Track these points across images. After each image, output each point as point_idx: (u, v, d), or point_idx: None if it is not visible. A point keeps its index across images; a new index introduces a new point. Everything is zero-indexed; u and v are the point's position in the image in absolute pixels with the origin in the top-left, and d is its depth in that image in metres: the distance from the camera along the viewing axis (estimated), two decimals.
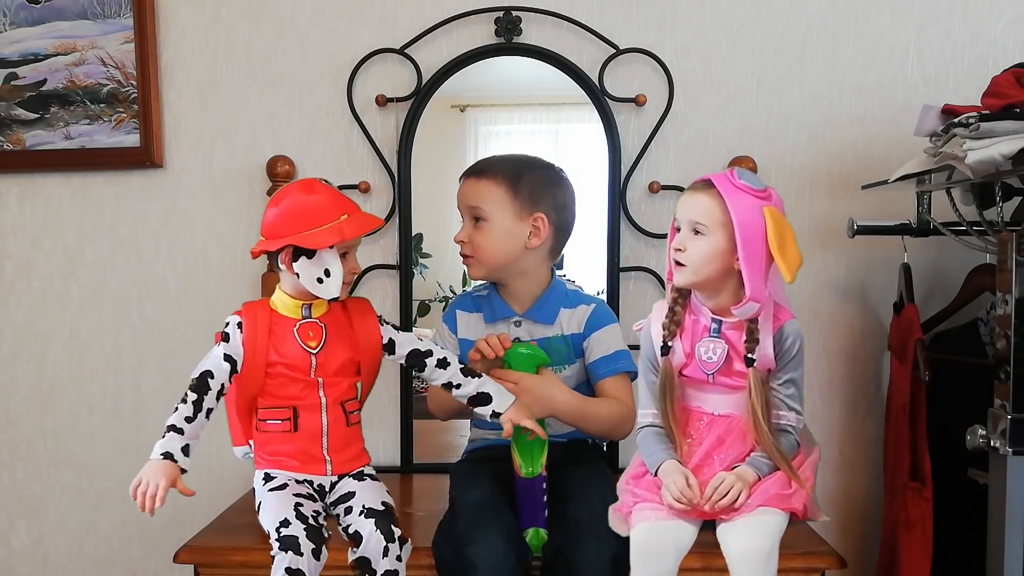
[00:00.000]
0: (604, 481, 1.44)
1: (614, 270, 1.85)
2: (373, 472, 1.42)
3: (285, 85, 1.91)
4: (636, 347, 1.49)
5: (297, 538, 1.22)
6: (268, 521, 1.28)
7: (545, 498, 1.38)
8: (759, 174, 1.70)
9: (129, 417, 1.98)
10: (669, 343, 1.39)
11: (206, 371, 1.31)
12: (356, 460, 1.41)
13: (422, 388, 1.85)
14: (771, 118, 1.88)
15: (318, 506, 1.33)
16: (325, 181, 1.39)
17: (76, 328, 1.98)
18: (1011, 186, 1.52)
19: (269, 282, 1.84)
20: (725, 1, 1.87)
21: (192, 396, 1.29)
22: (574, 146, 1.96)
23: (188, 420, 1.27)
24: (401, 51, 1.87)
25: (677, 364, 1.40)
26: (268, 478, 1.36)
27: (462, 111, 1.97)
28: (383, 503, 1.33)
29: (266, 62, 1.91)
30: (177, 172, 1.95)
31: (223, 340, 1.34)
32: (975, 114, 1.35)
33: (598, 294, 1.82)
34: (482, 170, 1.54)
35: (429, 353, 1.40)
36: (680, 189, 1.80)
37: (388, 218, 1.88)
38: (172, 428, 1.26)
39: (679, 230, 1.37)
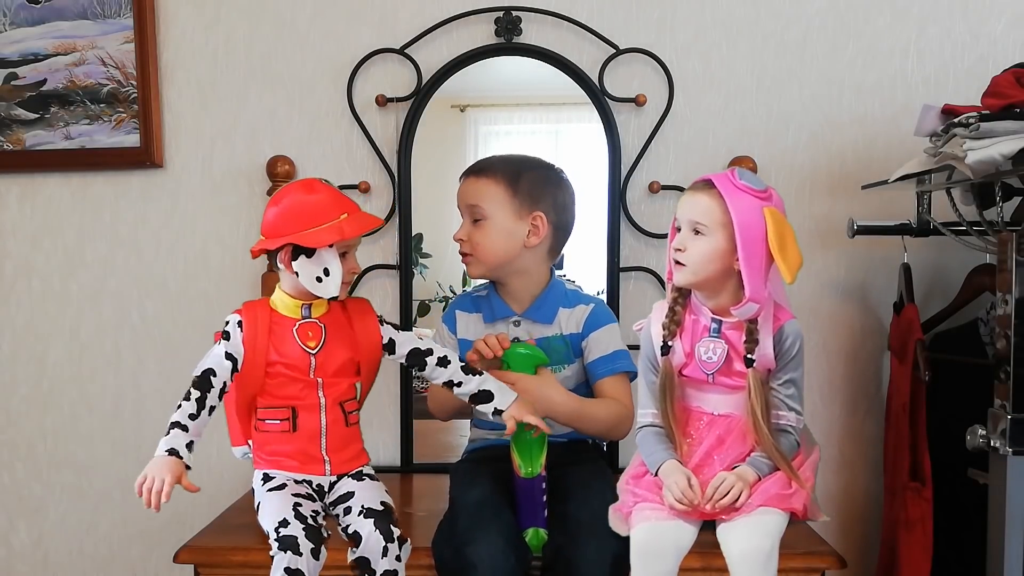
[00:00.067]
0: (604, 481, 1.44)
1: (614, 270, 1.85)
2: (372, 472, 1.42)
3: (285, 85, 1.91)
4: (636, 347, 1.49)
5: (296, 538, 1.22)
6: (267, 521, 1.28)
7: (545, 498, 1.38)
8: (759, 174, 1.70)
9: (129, 417, 1.98)
10: (669, 343, 1.39)
11: (208, 369, 1.31)
12: (355, 460, 1.41)
13: (422, 388, 1.85)
14: (771, 118, 1.88)
15: (317, 506, 1.33)
16: (325, 181, 1.39)
17: (76, 328, 1.98)
18: (1011, 186, 1.52)
19: (269, 282, 1.84)
20: (725, 1, 1.87)
21: (195, 393, 1.29)
22: (574, 146, 1.96)
23: (192, 417, 1.27)
24: (401, 51, 1.87)
25: (677, 364, 1.40)
26: (267, 478, 1.36)
27: (462, 111, 1.97)
28: (382, 503, 1.33)
29: (266, 62, 1.91)
30: (177, 172, 1.95)
31: (223, 338, 1.34)
32: (975, 114, 1.35)
33: (598, 294, 1.82)
34: (482, 169, 1.54)
35: (429, 352, 1.40)
36: (680, 189, 1.80)
37: (388, 218, 1.88)
38: (176, 425, 1.26)
39: (679, 230, 1.37)
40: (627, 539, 1.28)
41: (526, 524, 1.36)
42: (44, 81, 1.93)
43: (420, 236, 1.92)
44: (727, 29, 1.87)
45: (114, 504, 1.99)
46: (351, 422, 1.40)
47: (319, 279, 1.31)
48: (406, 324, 1.87)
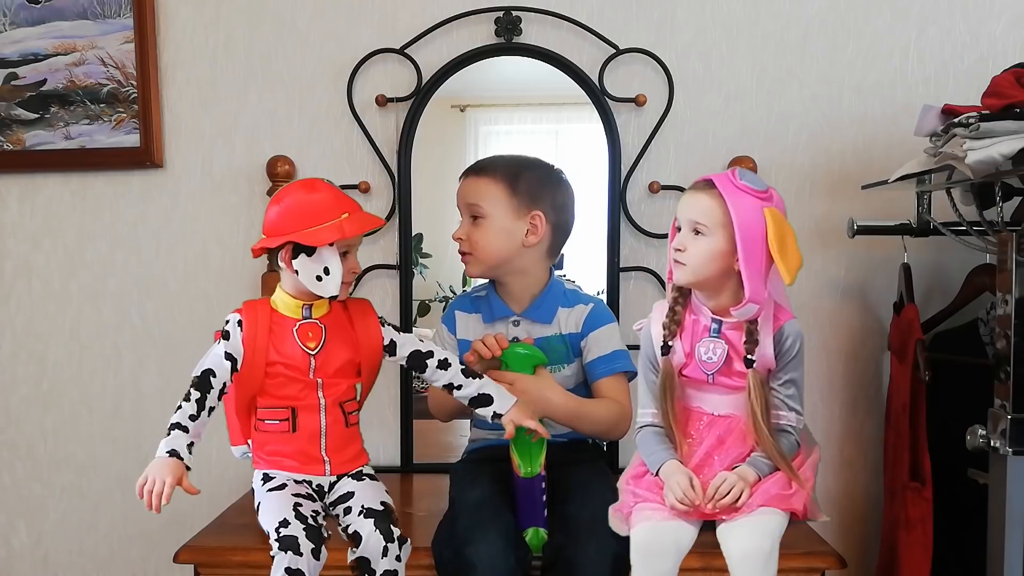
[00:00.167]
0: (604, 481, 1.44)
1: (614, 270, 1.85)
2: (372, 472, 1.42)
3: (285, 85, 1.91)
4: (636, 347, 1.49)
5: (296, 538, 1.22)
6: (267, 521, 1.28)
7: (544, 498, 1.38)
8: (759, 174, 1.70)
9: (129, 417, 1.98)
10: (669, 343, 1.39)
11: (208, 369, 1.31)
12: (355, 460, 1.41)
13: (422, 388, 1.85)
14: (771, 118, 1.88)
15: (317, 506, 1.33)
16: (327, 181, 1.39)
17: (76, 328, 1.98)
18: (1011, 186, 1.52)
19: (269, 282, 1.83)
20: (725, 1, 1.87)
21: (195, 394, 1.29)
22: (574, 146, 1.96)
23: (192, 418, 1.28)
24: (401, 51, 1.87)
25: (677, 364, 1.40)
26: (267, 478, 1.36)
27: (462, 111, 1.97)
28: (382, 503, 1.33)
29: (266, 62, 1.91)
30: (177, 172, 1.95)
31: (223, 338, 1.34)
32: (975, 114, 1.35)
33: (598, 294, 1.82)
34: (481, 168, 1.54)
35: (430, 354, 1.40)
36: (680, 189, 1.80)
37: (388, 218, 1.87)
38: (177, 426, 1.26)
39: (679, 230, 1.37)
40: (627, 539, 1.28)
41: (526, 524, 1.36)
42: (44, 81, 1.93)
43: (420, 236, 1.92)
44: (727, 29, 1.87)
45: (114, 504, 1.99)
46: (351, 423, 1.40)
47: (319, 278, 1.31)
48: (406, 324, 1.87)
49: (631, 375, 1.54)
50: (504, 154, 1.63)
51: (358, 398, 1.43)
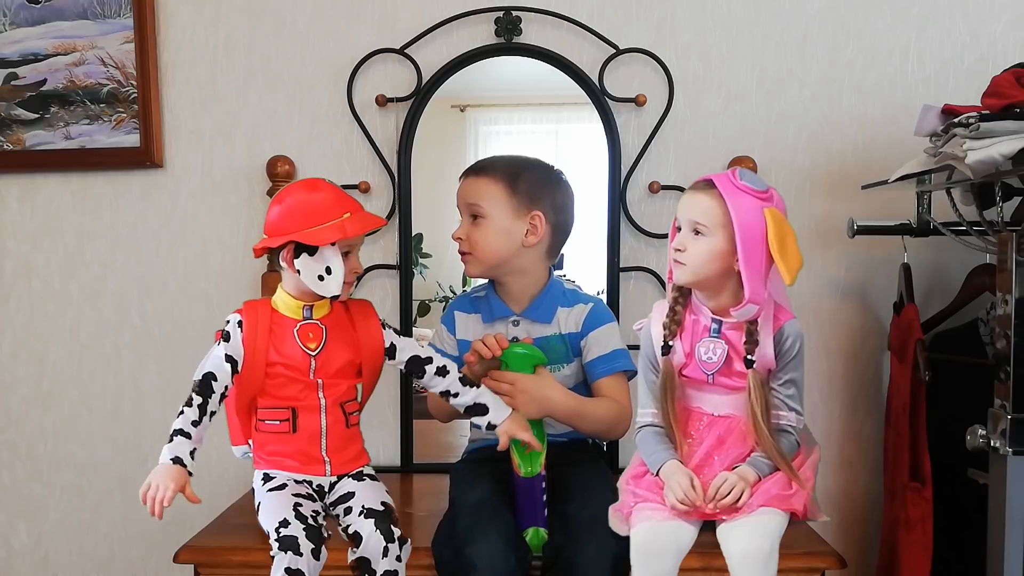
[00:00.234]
0: (604, 481, 1.44)
1: (614, 270, 1.85)
2: (372, 472, 1.42)
3: (285, 85, 1.91)
4: (636, 347, 1.49)
5: (296, 538, 1.22)
6: (267, 521, 1.28)
7: (544, 497, 1.38)
8: (759, 174, 1.70)
9: (129, 417, 1.98)
10: (670, 343, 1.39)
11: (209, 373, 1.31)
12: (355, 461, 1.41)
13: (422, 389, 1.85)
14: (771, 118, 1.88)
15: (317, 506, 1.33)
16: (329, 181, 1.39)
17: (76, 328, 1.98)
18: (1011, 186, 1.52)
19: (269, 282, 1.84)
20: (725, 1, 1.87)
21: (197, 399, 1.29)
22: (574, 146, 1.96)
23: (194, 424, 1.28)
24: (401, 51, 1.87)
25: (677, 364, 1.40)
26: (267, 478, 1.36)
27: (462, 111, 1.97)
28: (383, 503, 1.33)
29: (266, 62, 1.91)
30: (177, 172, 1.95)
31: (223, 339, 1.34)
32: (975, 114, 1.35)
33: (598, 294, 1.82)
34: (481, 168, 1.54)
35: (429, 360, 1.40)
36: (680, 189, 1.80)
37: (388, 218, 1.87)
38: (180, 432, 1.26)
39: (680, 230, 1.37)
40: (627, 539, 1.28)
41: (526, 524, 1.36)
42: (44, 81, 1.93)
43: (420, 236, 1.92)
44: (727, 29, 1.87)
45: (114, 504, 1.99)
46: (352, 423, 1.40)
47: (321, 278, 1.31)
48: (406, 324, 1.87)
49: (631, 374, 1.54)
50: (504, 154, 1.63)
51: (359, 399, 1.43)
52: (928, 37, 1.85)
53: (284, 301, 1.37)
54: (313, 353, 1.35)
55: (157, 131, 1.91)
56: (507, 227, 1.51)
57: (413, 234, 1.89)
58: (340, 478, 1.38)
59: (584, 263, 1.83)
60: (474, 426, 1.65)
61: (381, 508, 1.31)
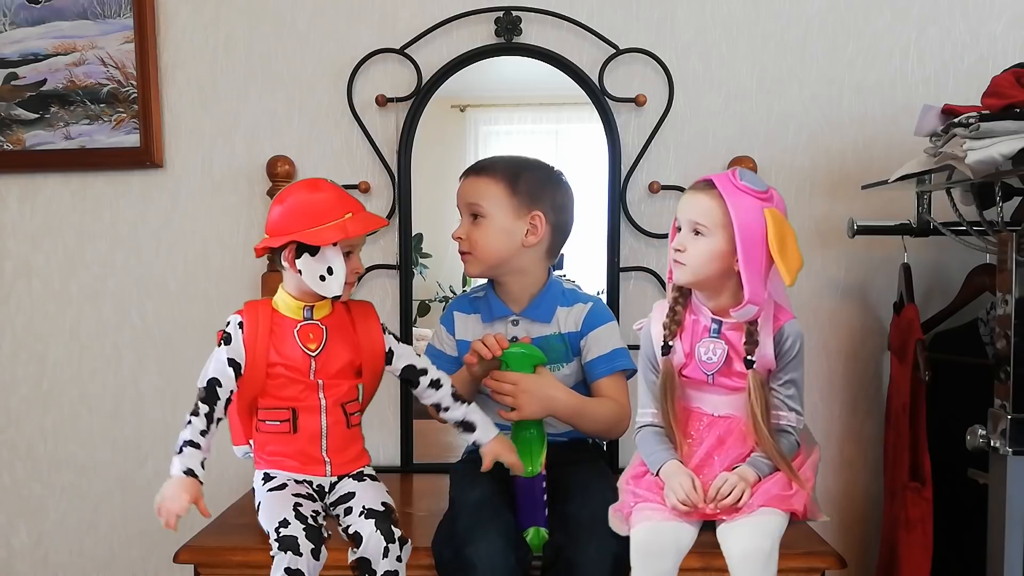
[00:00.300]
0: (604, 481, 1.44)
1: (614, 270, 1.85)
2: (373, 472, 1.42)
3: (285, 85, 1.91)
4: (636, 347, 1.49)
5: (296, 538, 1.22)
6: (267, 521, 1.28)
7: (545, 497, 1.38)
8: (759, 174, 1.70)
9: (129, 417, 1.98)
10: (670, 343, 1.39)
11: (213, 379, 1.31)
12: (356, 461, 1.41)
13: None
14: (771, 118, 1.88)
15: (317, 506, 1.33)
16: (330, 181, 1.39)
17: (76, 328, 1.98)
18: (1011, 186, 1.52)
19: (269, 282, 1.84)
20: (725, 1, 1.87)
21: (203, 408, 1.30)
22: (574, 146, 1.96)
23: (203, 434, 1.28)
24: (401, 51, 1.87)
25: (677, 364, 1.40)
26: (267, 478, 1.36)
27: (462, 111, 1.97)
28: (383, 504, 1.33)
29: (266, 62, 1.91)
30: (177, 172, 1.95)
31: (224, 341, 1.34)
32: (975, 114, 1.35)
33: (598, 294, 1.82)
34: (482, 168, 1.55)
35: (424, 371, 1.41)
36: (680, 189, 1.80)
37: (388, 218, 1.87)
38: (190, 443, 1.27)
39: (680, 230, 1.37)
40: (627, 539, 1.28)
41: (527, 523, 1.36)
42: (44, 81, 1.93)
43: (420, 236, 1.92)
44: (727, 29, 1.87)
45: (114, 504, 1.99)
46: (353, 423, 1.40)
47: (322, 278, 1.31)
48: (406, 324, 1.87)
49: (630, 373, 1.54)
50: (504, 155, 1.63)
51: (360, 399, 1.43)
52: (928, 37, 1.85)
53: (285, 301, 1.37)
54: (313, 354, 1.35)
55: (157, 131, 1.91)
56: (507, 227, 1.51)
57: (413, 234, 1.89)
58: (340, 478, 1.38)
59: (584, 263, 1.83)
60: None
61: (381, 508, 1.31)
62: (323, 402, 1.36)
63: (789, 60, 1.87)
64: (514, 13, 1.85)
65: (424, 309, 1.95)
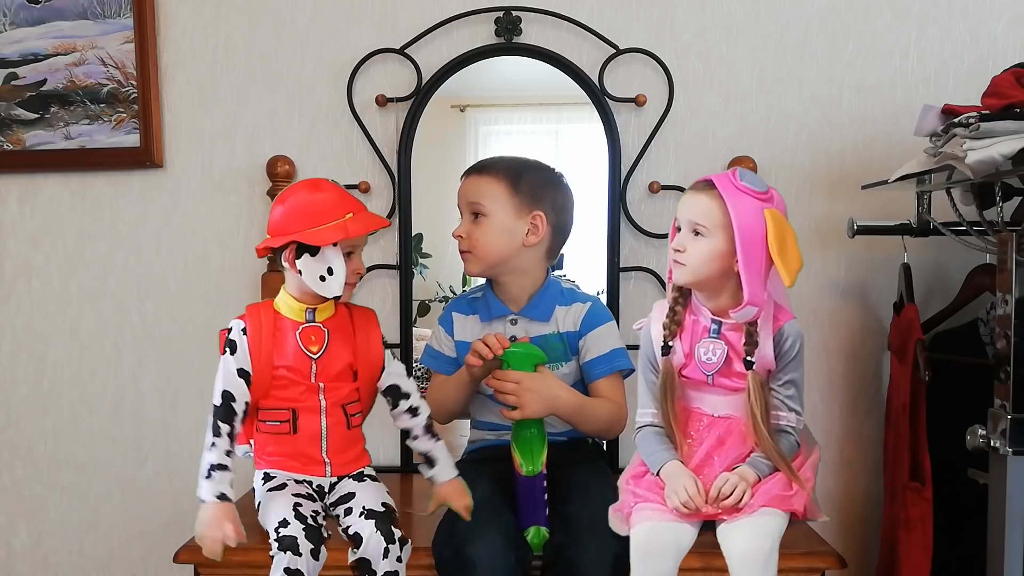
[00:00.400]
0: (604, 481, 1.44)
1: (614, 270, 1.85)
2: (373, 473, 1.42)
3: (285, 85, 1.91)
4: (636, 347, 1.49)
5: (296, 538, 1.22)
6: (267, 521, 1.28)
7: (546, 496, 1.38)
8: (759, 174, 1.70)
9: (129, 417, 1.98)
10: (669, 343, 1.39)
11: (226, 394, 1.31)
12: (356, 462, 1.41)
13: (421, 388, 1.85)
14: (771, 118, 1.88)
15: (317, 506, 1.33)
16: (332, 181, 1.39)
17: (76, 328, 1.98)
18: (1011, 186, 1.52)
19: (269, 282, 1.84)
20: (725, 1, 1.87)
21: (224, 427, 1.30)
22: (574, 146, 1.96)
23: (228, 454, 1.29)
24: (401, 51, 1.87)
25: (677, 364, 1.40)
26: (267, 478, 1.36)
27: (462, 111, 1.97)
28: (383, 504, 1.33)
29: (266, 62, 1.91)
30: (177, 172, 1.95)
31: (229, 349, 1.33)
32: (975, 114, 1.35)
33: (598, 294, 1.82)
34: (484, 168, 1.55)
35: (407, 396, 1.42)
36: (680, 189, 1.80)
37: (388, 218, 1.87)
38: (218, 467, 1.27)
39: (679, 230, 1.37)
40: (627, 539, 1.28)
41: (527, 523, 1.36)
42: (44, 81, 1.93)
43: (420, 236, 1.92)
44: (727, 29, 1.87)
45: (114, 504, 1.99)
46: (353, 424, 1.40)
47: (323, 278, 1.31)
48: (406, 324, 1.87)
49: (628, 372, 1.54)
50: (506, 155, 1.63)
51: (361, 400, 1.43)
52: (928, 37, 1.85)
53: (287, 303, 1.37)
54: (315, 356, 1.35)
55: (157, 131, 1.91)
56: (508, 226, 1.51)
57: (413, 234, 1.89)
58: (340, 478, 1.39)
59: (584, 263, 1.83)
60: (474, 426, 1.65)
61: (382, 509, 1.31)
62: (323, 403, 1.36)
63: (789, 60, 1.87)
64: (514, 13, 1.85)
65: (424, 309, 1.95)
